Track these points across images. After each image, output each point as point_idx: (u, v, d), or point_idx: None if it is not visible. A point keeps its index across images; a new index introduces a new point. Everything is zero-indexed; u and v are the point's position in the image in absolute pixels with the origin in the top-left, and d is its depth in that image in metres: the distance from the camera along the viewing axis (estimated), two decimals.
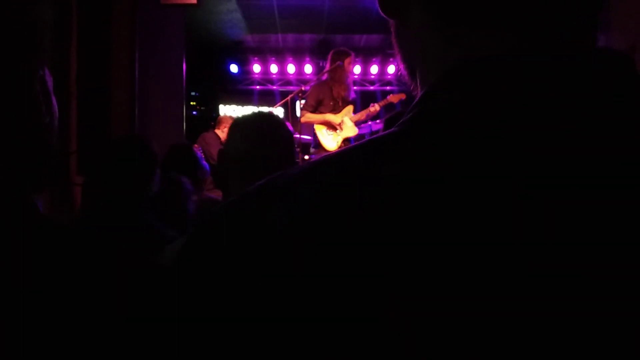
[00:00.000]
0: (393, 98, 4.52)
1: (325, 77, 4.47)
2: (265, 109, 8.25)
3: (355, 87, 4.93)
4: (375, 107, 4.49)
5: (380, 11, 0.39)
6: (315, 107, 4.37)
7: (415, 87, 0.40)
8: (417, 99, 0.34)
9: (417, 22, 0.37)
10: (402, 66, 0.42)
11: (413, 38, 0.38)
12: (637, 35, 2.67)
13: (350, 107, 4.44)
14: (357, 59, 7.57)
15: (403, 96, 4.53)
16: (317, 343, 0.26)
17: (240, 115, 1.58)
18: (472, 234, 0.27)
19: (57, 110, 0.50)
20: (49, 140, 0.49)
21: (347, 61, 4.30)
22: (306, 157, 4.59)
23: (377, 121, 4.62)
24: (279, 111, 8.11)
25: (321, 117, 4.36)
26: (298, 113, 4.49)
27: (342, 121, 4.38)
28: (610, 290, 0.26)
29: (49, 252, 0.43)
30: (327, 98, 4.37)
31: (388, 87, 7.85)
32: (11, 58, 0.45)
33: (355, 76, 7.66)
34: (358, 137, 4.75)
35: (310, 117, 4.33)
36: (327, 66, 4.41)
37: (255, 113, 1.41)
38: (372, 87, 8.00)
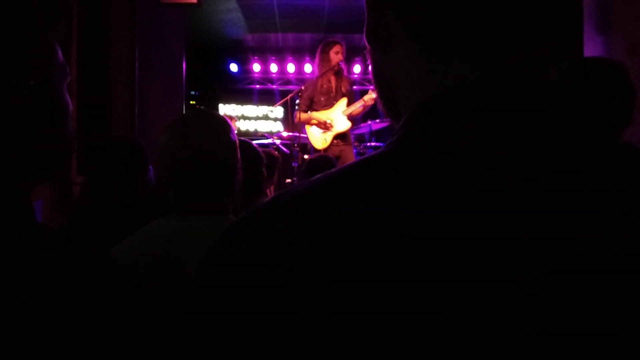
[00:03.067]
0: None
1: (317, 73, 4.30)
2: (265, 108, 8.25)
3: (354, 87, 4.86)
4: (370, 95, 4.16)
5: (365, 42, 0.43)
6: (308, 105, 4.26)
7: (394, 115, 0.44)
8: (403, 121, 0.38)
9: (402, 51, 0.40)
10: (379, 94, 0.46)
11: (397, 66, 0.41)
12: (637, 35, 2.68)
13: (343, 100, 4.23)
14: (356, 59, 7.59)
15: None
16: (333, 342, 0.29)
17: (182, 115, 1.52)
18: (451, 239, 0.30)
19: (67, 113, 0.50)
20: (47, 146, 0.48)
21: (333, 51, 4.13)
22: (305, 156, 4.56)
23: (377, 120, 4.52)
24: (278, 110, 8.14)
25: (307, 116, 4.23)
26: None
27: (331, 117, 4.18)
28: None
29: (38, 259, 0.43)
30: (317, 94, 4.23)
31: None
32: None
33: (355, 75, 7.66)
34: (355, 135, 4.70)
35: (301, 117, 4.23)
36: (316, 61, 4.28)
37: (193, 112, 1.35)
38: (371, 87, 7.99)
